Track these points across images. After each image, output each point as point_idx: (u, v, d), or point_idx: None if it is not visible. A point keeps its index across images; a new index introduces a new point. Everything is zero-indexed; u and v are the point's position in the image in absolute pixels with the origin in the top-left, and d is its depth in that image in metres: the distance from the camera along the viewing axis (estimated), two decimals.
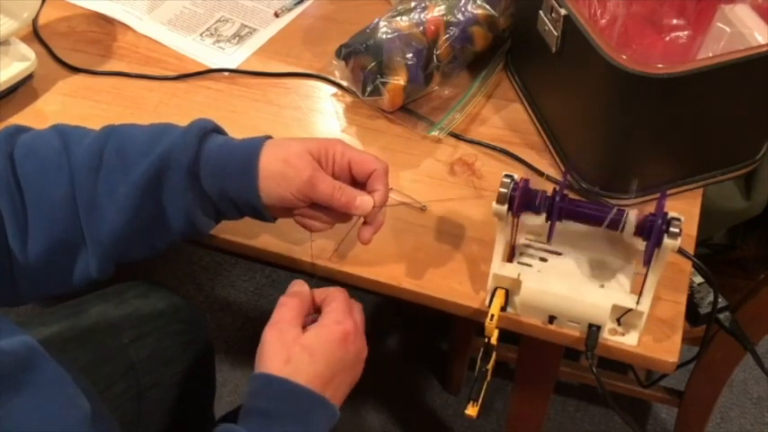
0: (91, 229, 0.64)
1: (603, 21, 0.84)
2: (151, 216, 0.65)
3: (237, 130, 0.91)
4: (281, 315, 0.64)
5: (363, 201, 0.66)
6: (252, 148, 0.66)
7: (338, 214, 0.69)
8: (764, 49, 0.72)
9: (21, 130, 0.67)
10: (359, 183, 0.69)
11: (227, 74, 0.99)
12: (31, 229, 0.63)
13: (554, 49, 0.81)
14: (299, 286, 0.68)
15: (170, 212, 0.65)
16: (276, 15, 1.06)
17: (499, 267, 0.71)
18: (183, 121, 0.92)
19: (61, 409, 0.52)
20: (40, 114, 0.94)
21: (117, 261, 0.67)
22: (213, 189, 0.65)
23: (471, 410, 0.68)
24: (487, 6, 0.92)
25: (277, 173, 0.65)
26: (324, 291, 0.69)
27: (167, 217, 0.65)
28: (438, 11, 0.91)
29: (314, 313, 0.69)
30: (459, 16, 0.91)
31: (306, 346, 0.63)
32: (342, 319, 0.65)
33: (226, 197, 0.66)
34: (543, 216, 0.67)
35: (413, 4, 0.92)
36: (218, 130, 0.69)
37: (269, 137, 0.68)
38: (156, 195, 0.64)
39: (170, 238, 0.67)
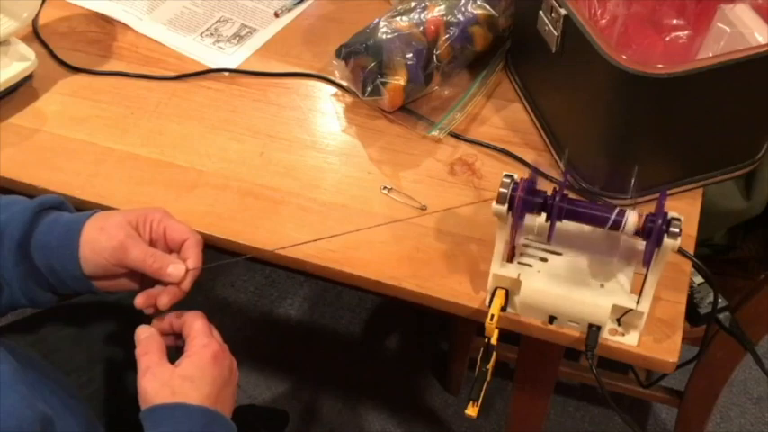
0: None
1: (603, 21, 0.84)
2: None
3: (237, 129, 0.92)
4: (147, 361, 0.66)
5: (176, 267, 0.68)
6: (76, 221, 0.69)
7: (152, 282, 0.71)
8: (764, 49, 0.72)
9: None
10: (174, 251, 0.71)
11: (227, 74, 0.99)
12: None
13: (554, 49, 0.81)
14: (146, 332, 0.70)
15: (5, 282, 0.68)
16: (276, 15, 1.06)
17: (499, 267, 0.71)
18: (183, 121, 0.93)
19: (13, 408, 0.56)
20: (40, 114, 0.94)
21: None
22: (42, 262, 0.68)
23: (471, 410, 0.68)
24: (487, 6, 0.92)
25: (93, 240, 0.67)
26: (180, 317, 0.70)
27: (4, 284, 0.68)
28: (438, 11, 0.91)
29: (177, 340, 0.71)
30: (460, 16, 0.91)
31: (185, 376, 0.65)
32: (207, 341, 0.67)
33: (53, 270, 0.68)
34: (543, 216, 0.67)
35: (413, 4, 0.92)
36: (61, 207, 0.72)
37: (96, 211, 0.71)
38: None
39: (12, 303, 0.70)
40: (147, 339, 0.69)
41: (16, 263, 0.67)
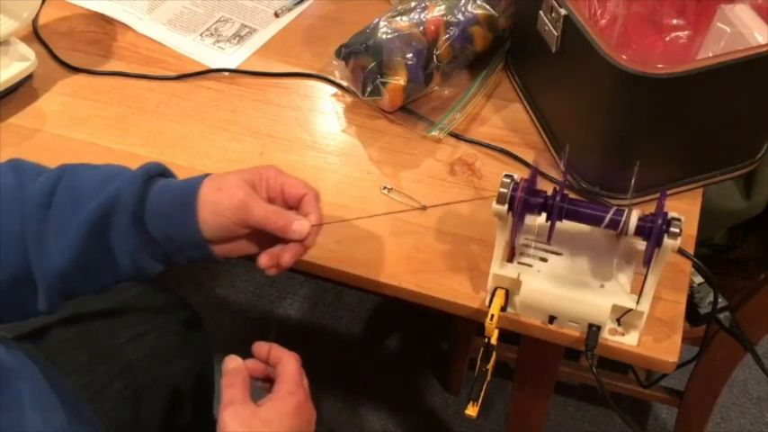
0: (39, 265, 0.65)
1: (603, 21, 0.84)
2: (98, 256, 0.66)
3: (237, 129, 0.92)
4: (232, 396, 0.66)
5: (301, 224, 0.67)
6: (190, 186, 0.67)
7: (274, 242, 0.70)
8: (764, 49, 0.72)
9: None
10: (291, 208, 0.69)
11: (227, 74, 0.99)
12: None
13: (554, 49, 0.81)
14: (234, 363, 0.69)
15: (117, 253, 0.66)
16: (276, 15, 1.06)
17: (499, 267, 0.71)
18: (183, 121, 0.93)
19: (33, 426, 0.54)
20: (40, 114, 0.94)
21: (64, 296, 0.68)
22: (157, 231, 0.66)
23: (471, 410, 0.68)
24: (487, 6, 0.92)
25: (213, 201, 0.66)
26: (278, 354, 0.70)
27: (114, 258, 0.67)
28: (438, 11, 0.91)
29: (261, 380, 0.72)
30: (460, 16, 0.91)
31: (264, 419, 0.64)
32: (294, 389, 0.67)
33: (169, 238, 0.67)
34: (543, 216, 0.67)
35: (413, 4, 0.92)
36: (165, 174, 0.70)
37: (208, 174, 0.70)
38: (102, 236, 0.65)
39: (117, 277, 0.68)
40: (234, 371, 0.68)
41: (132, 234, 0.65)
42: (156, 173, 0.69)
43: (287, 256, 0.67)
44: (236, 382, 0.67)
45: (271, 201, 0.68)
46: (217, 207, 0.65)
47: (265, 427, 0.64)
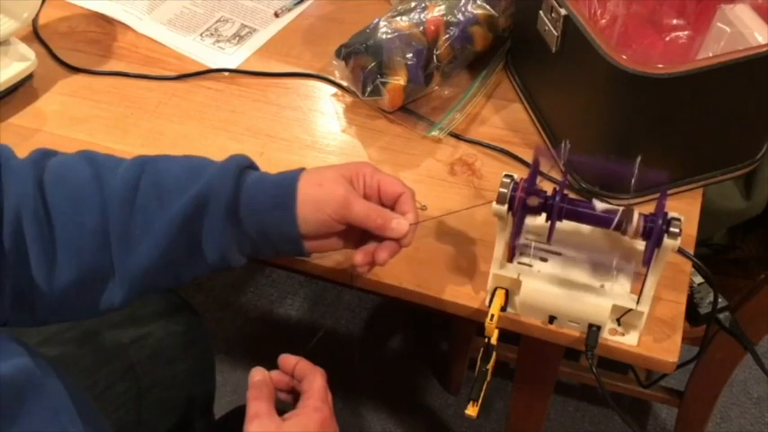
0: (122, 261, 0.63)
1: (603, 21, 0.84)
2: (185, 252, 0.65)
3: (237, 130, 0.92)
4: (257, 408, 0.66)
5: (399, 223, 0.66)
6: (290, 180, 0.66)
7: (366, 238, 0.69)
8: (764, 49, 0.72)
9: (48, 154, 0.66)
10: (385, 206, 0.69)
11: (227, 74, 0.99)
12: (59, 260, 0.62)
13: (554, 49, 0.81)
14: (260, 375, 0.69)
15: (206, 249, 0.65)
16: (276, 15, 1.06)
17: (499, 267, 0.71)
18: (183, 121, 0.93)
19: None
20: (40, 114, 0.94)
21: (143, 292, 0.67)
22: (253, 226, 0.65)
23: (471, 410, 0.67)
24: (487, 6, 0.92)
25: (314, 197, 0.65)
26: (305, 368, 0.70)
27: (202, 253, 0.65)
28: (438, 11, 0.91)
29: (285, 393, 0.71)
30: (460, 16, 0.91)
31: None
32: (320, 405, 0.67)
33: (264, 233, 0.66)
34: (543, 216, 0.67)
35: (413, 4, 0.92)
36: (252, 166, 0.69)
37: (303, 168, 0.68)
38: (193, 232, 0.64)
39: (200, 272, 0.67)
40: (259, 384, 0.68)
41: (225, 229, 0.64)
42: (246, 165, 0.67)
43: (384, 253, 0.67)
44: (261, 395, 0.67)
45: (366, 198, 0.68)
46: (317, 203, 0.65)
47: None
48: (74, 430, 0.55)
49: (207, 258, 0.65)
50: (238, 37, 1.03)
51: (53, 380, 0.58)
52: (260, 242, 0.67)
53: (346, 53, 0.90)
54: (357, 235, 0.68)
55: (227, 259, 0.66)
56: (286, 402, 0.71)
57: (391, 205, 0.68)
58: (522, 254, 0.73)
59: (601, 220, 0.65)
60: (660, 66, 0.70)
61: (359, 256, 0.67)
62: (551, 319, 0.72)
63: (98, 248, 0.63)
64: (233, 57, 1.00)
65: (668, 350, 0.71)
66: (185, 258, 0.65)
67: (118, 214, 0.63)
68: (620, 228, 0.65)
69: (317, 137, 0.91)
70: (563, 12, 0.76)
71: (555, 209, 0.65)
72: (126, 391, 0.87)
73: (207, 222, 0.64)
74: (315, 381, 0.68)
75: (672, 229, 0.63)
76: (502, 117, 0.92)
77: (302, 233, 0.66)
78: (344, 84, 0.94)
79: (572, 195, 0.68)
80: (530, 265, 0.71)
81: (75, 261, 0.62)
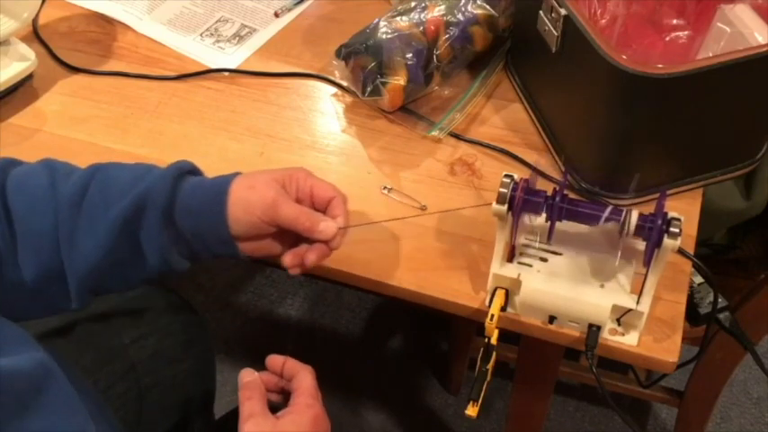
0: (70, 260, 0.66)
1: (603, 21, 0.84)
2: (127, 253, 0.67)
3: (237, 129, 0.92)
4: (251, 408, 0.67)
5: (327, 225, 0.68)
6: (220, 184, 0.68)
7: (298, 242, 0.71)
8: (764, 49, 0.72)
9: (14, 163, 0.70)
10: (318, 210, 0.70)
11: (227, 74, 0.99)
12: (20, 258, 0.66)
13: (554, 49, 0.81)
14: (249, 376, 0.70)
15: (146, 250, 0.67)
16: (276, 15, 1.06)
17: (499, 267, 0.71)
18: (183, 121, 0.93)
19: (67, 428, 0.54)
20: (40, 114, 0.94)
21: (93, 292, 0.69)
22: (187, 228, 0.67)
23: (471, 410, 0.68)
24: (487, 6, 0.92)
25: (244, 199, 0.67)
26: (294, 367, 0.71)
27: (143, 255, 0.67)
28: (438, 11, 0.91)
29: (275, 394, 0.73)
30: (460, 16, 0.91)
31: (284, 431, 0.66)
32: (311, 402, 0.68)
33: (198, 234, 0.68)
34: (543, 216, 0.67)
35: (413, 4, 0.92)
36: (194, 172, 0.71)
37: (239, 173, 0.70)
38: (133, 234, 0.66)
39: (145, 274, 0.69)
40: (251, 384, 0.69)
41: (160, 231, 0.66)
42: (186, 170, 0.69)
43: (312, 255, 0.69)
44: (254, 395, 0.68)
45: (299, 202, 0.69)
46: (248, 205, 0.66)
47: None
48: (88, 427, 0.56)
49: (149, 259, 0.68)
50: (238, 37, 1.03)
51: (63, 376, 0.59)
52: (196, 244, 0.68)
53: (346, 53, 0.90)
54: (292, 238, 0.70)
55: (168, 261, 0.68)
56: (277, 402, 0.72)
57: (323, 209, 0.70)
58: (522, 254, 0.73)
59: (600, 220, 0.65)
60: (660, 66, 0.71)
61: (287, 258, 0.69)
62: (551, 319, 0.72)
63: (50, 251, 0.66)
64: (233, 57, 1.00)
65: (668, 350, 0.71)
66: (129, 259, 0.68)
67: (66, 217, 0.66)
68: (620, 228, 0.65)
69: (317, 137, 0.91)
70: (563, 12, 0.76)
71: (555, 209, 0.65)
72: (127, 391, 0.87)
73: (145, 224, 0.66)
74: (304, 379, 0.70)
75: (672, 229, 0.63)
76: (502, 117, 0.92)
77: (234, 234, 0.67)
78: (344, 84, 0.94)
79: (572, 195, 0.68)
80: (530, 265, 0.72)
81: (35, 260, 0.66)
